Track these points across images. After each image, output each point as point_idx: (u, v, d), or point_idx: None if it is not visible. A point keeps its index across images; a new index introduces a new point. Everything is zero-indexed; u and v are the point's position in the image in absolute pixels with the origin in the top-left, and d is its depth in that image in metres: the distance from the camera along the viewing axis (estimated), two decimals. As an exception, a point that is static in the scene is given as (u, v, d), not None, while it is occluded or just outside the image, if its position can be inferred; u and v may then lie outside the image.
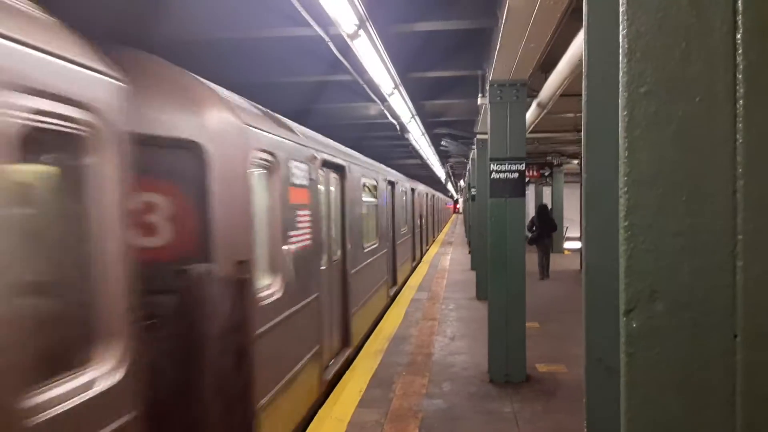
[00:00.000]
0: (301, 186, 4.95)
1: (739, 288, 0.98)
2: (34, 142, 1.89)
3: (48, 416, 1.84)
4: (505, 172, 6.10)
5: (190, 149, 3.21)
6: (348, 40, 4.48)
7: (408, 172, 22.20)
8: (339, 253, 6.90)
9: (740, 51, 0.98)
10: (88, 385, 2.06)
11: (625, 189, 1.01)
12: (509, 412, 5.20)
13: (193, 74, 3.69)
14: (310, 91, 8.54)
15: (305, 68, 7.12)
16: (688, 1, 0.99)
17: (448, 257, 19.59)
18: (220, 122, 3.43)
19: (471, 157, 15.14)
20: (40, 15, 2.12)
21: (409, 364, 6.76)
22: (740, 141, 0.98)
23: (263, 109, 4.70)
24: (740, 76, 0.98)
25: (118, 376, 2.20)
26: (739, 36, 0.98)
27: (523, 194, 6.14)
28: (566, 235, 22.01)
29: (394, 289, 11.73)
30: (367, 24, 4.17)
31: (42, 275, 2.12)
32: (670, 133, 1.01)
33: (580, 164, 17.39)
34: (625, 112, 1.02)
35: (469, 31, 6.25)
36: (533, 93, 6.88)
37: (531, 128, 8.13)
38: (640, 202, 1.01)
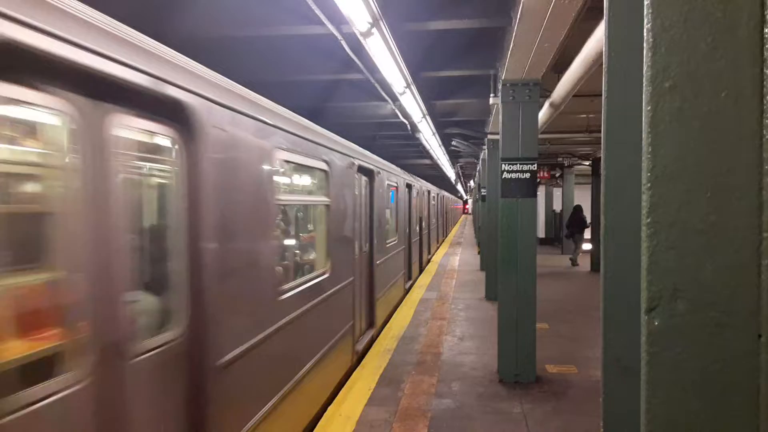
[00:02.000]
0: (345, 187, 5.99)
1: (764, 287, 0.96)
2: None
3: None
4: (516, 172, 6.07)
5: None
6: (361, 38, 4.48)
7: (418, 172, 22.23)
8: (367, 245, 7.62)
9: (767, 45, 0.97)
10: None
11: (649, 185, 1.00)
12: (519, 412, 5.18)
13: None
14: (322, 90, 8.55)
15: (317, 67, 7.13)
16: (715, -5, 0.98)
17: (457, 258, 19.54)
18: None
19: (481, 157, 15.10)
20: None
21: (418, 364, 6.74)
22: (767, 137, 0.96)
23: (319, 128, 5.43)
24: (767, 71, 0.96)
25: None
26: (766, 30, 0.96)
27: (534, 195, 6.11)
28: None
29: (410, 282, 12.44)
30: (381, 22, 4.16)
31: None
32: (695, 128, 0.99)
33: (591, 166, 17.27)
34: (649, 107, 1.01)
35: (482, 30, 6.22)
36: (546, 93, 6.83)
37: (543, 129, 8.08)
38: (664, 198, 0.99)
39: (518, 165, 6.07)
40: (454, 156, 18.18)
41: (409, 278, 12.63)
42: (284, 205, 4.42)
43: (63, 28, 1.91)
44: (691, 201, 0.98)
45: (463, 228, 42.50)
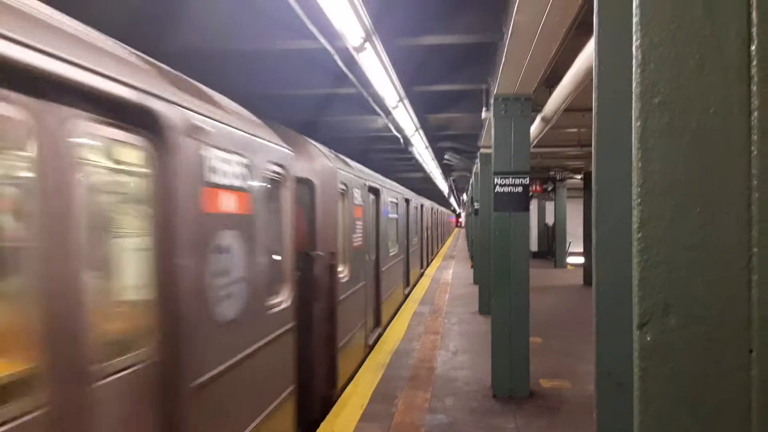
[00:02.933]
0: (358, 204, 7.14)
1: (755, 302, 0.97)
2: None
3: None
4: (509, 186, 6.10)
5: (307, 183, 5.53)
6: (354, 53, 4.50)
7: (411, 185, 22.35)
8: (374, 254, 8.58)
9: (754, 62, 0.98)
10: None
11: (639, 200, 1.00)
12: (513, 428, 5.15)
13: (308, 139, 6.10)
14: (314, 104, 8.58)
15: (310, 81, 7.16)
16: (702, 13, 0.99)
17: (450, 271, 19.54)
18: (323, 167, 5.77)
19: (474, 171, 15.16)
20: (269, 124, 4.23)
21: (412, 379, 6.71)
22: (755, 153, 0.97)
23: (341, 155, 6.87)
24: (755, 88, 0.98)
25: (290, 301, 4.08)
26: (753, 47, 0.97)
27: (527, 208, 6.13)
28: (569, 250, 21.96)
29: (408, 288, 13.65)
30: (373, 37, 4.19)
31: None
32: (684, 144, 1.00)
33: (583, 179, 17.37)
34: (639, 123, 1.01)
35: (474, 45, 6.27)
36: (537, 107, 6.89)
37: (534, 142, 8.14)
38: (654, 213, 1.00)
39: (510, 179, 6.09)
40: (446, 169, 18.25)
41: (407, 284, 13.61)
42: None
43: (373, 180, 3.90)
44: (681, 216, 0.99)
45: (456, 241, 42.53)
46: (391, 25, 4.73)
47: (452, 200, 40.74)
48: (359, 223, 7.18)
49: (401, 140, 10.44)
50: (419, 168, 16.53)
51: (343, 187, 6.22)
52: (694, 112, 1.00)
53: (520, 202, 6.08)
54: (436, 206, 26.58)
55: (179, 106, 2.60)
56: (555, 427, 5.20)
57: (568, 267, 20.22)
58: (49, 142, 1.80)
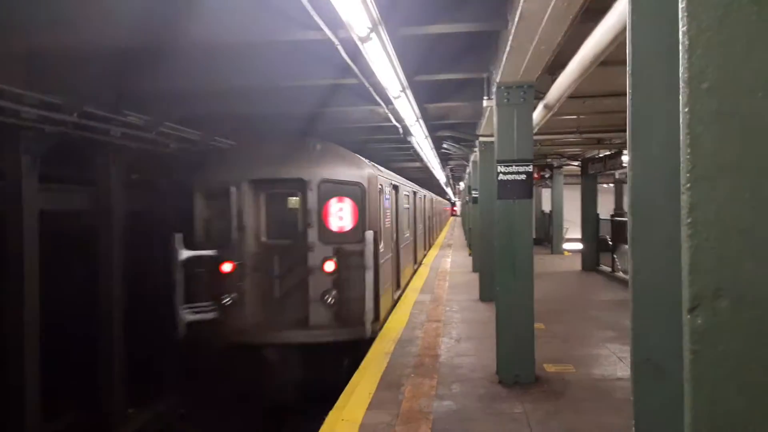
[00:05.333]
0: (388, 199, 10.31)
1: (805, 284, 0.98)
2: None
3: None
4: (512, 174, 6.11)
5: (360, 187, 8.51)
6: (359, 43, 4.48)
7: (408, 175, 22.45)
8: (395, 235, 11.57)
9: (802, 46, 0.99)
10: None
11: (688, 185, 1.01)
12: (520, 412, 5.20)
13: (358, 156, 9.11)
14: (316, 95, 8.54)
15: (311, 72, 7.13)
16: (750, -2, 1.00)
17: (448, 260, 19.59)
18: (369, 174, 8.66)
19: (472, 159, 15.16)
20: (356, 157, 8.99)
21: (417, 366, 6.75)
22: (803, 137, 0.98)
23: (375, 164, 10.11)
24: (803, 72, 0.98)
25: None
26: (801, 31, 0.98)
27: (530, 196, 6.14)
28: (566, 236, 22.06)
29: (416, 265, 16.69)
30: (380, 27, 4.17)
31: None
32: (733, 129, 1.01)
33: (579, 166, 17.41)
34: (687, 109, 1.02)
35: (476, 33, 6.25)
36: (539, 95, 6.88)
37: (536, 130, 8.14)
38: (704, 198, 1.01)
39: (514, 167, 6.10)
40: (444, 159, 18.24)
41: (415, 262, 16.51)
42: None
43: (395, 179, 11.18)
44: (731, 200, 1.00)
45: (452, 230, 42.59)
46: (396, 15, 4.71)
47: (448, 189, 40.71)
48: (388, 211, 10.31)
49: (400, 130, 10.42)
50: (417, 158, 16.52)
51: (379, 186, 9.18)
52: (743, 97, 1.01)
53: (524, 189, 6.09)
54: (435, 196, 28.49)
55: (412, 188, 12.69)
56: (561, 411, 5.25)
57: (565, 254, 20.30)
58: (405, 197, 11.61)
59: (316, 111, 9.41)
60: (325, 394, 6.47)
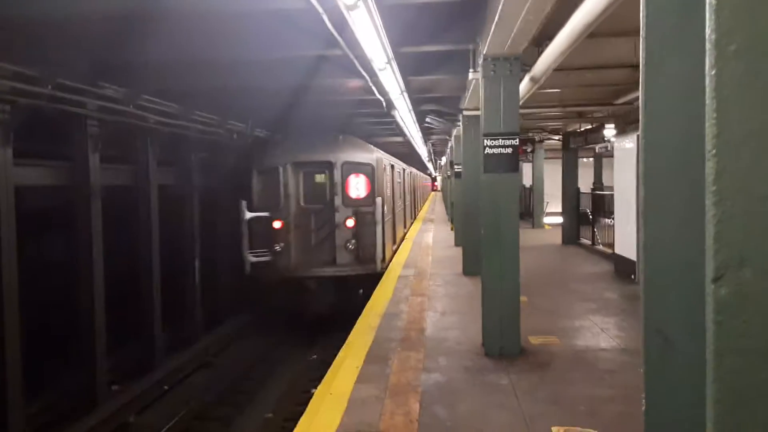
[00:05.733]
0: (388, 175, 13.78)
1: (829, 253, 0.96)
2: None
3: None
4: (498, 147, 6.08)
5: (371, 166, 12.66)
6: (345, 12, 4.36)
7: (390, 149, 22.47)
8: (392, 202, 15.05)
9: (832, 7, 0.95)
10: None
11: (714, 152, 0.98)
12: (506, 384, 5.26)
13: (369, 144, 13.53)
14: (298, 68, 8.37)
15: (295, 44, 6.97)
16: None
17: (430, 234, 19.64)
18: (377, 157, 12.89)
19: (454, 134, 15.10)
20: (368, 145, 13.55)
21: (403, 340, 6.78)
22: (833, 100, 0.95)
23: (381, 150, 14.10)
24: (833, 33, 0.95)
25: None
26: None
27: (516, 169, 6.13)
28: (546, 210, 22.25)
29: (406, 229, 20.60)
30: (367, -6, 4.06)
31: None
32: (761, 92, 0.97)
33: (560, 140, 17.47)
34: (714, 72, 0.98)
35: (463, 3, 6.15)
36: (524, 68, 6.82)
37: (521, 103, 8.10)
38: (729, 165, 0.98)
39: (500, 140, 6.07)
40: (426, 133, 18.14)
41: (404, 226, 20.29)
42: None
43: (392, 160, 15.96)
44: (758, 166, 0.97)
45: (433, 205, 42.69)
46: (382, -18, 4.57)
47: (429, 164, 40.67)
48: (388, 184, 13.87)
49: (384, 104, 10.30)
50: (400, 132, 16.40)
51: (383, 166, 13.05)
52: (772, 60, 0.97)
53: (510, 163, 6.08)
54: (417, 171, 32.49)
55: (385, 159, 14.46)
56: (546, 381, 5.32)
57: (546, 227, 20.49)
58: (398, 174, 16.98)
59: (300, 84, 9.23)
60: (347, 311, 10.26)
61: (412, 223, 23.94)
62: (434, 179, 62.29)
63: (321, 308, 12.45)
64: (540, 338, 6.62)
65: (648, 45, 1.37)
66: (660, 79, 1.36)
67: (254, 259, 12.09)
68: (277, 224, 12.35)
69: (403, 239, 18.08)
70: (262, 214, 12.18)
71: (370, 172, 12.71)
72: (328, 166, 12.54)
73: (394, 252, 15.08)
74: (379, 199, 12.35)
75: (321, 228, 12.62)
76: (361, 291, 11.92)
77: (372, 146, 13.45)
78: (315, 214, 12.60)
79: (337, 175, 12.48)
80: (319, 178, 12.83)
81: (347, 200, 12.54)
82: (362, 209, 12.53)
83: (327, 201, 12.55)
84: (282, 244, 12.31)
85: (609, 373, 5.49)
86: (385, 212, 12.89)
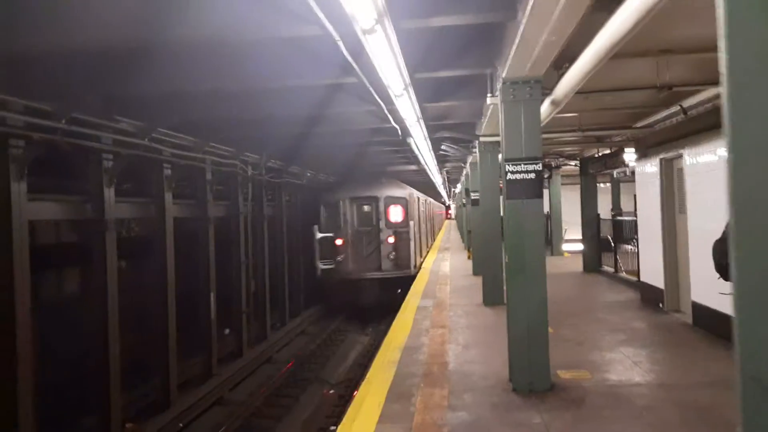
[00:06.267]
0: (416, 205, 19.87)
1: None
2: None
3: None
4: (521, 173, 5.88)
5: (405, 199, 18.62)
6: (362, 36, 4.24)
7: (405, 178, 22.62)
8: (418, 227, 19.77)
9: None
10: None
11: None
12: (539, 423, 4.94)
13: (403, 183, 20.37)
14: (311, 97, 8.29)
15: (308, 72, 6.89)
16: None
17: (447, 263, 19.33)
18: (409, 192, 19.20)
19: (470, 161, 14.93)
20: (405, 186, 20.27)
21: (426, 375, 6.48)
22: None
23: (411, 188, 20.33)
24: None
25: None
26: None
27: (540, 195, 5.91)
28: (565, 238, 21.85)
29: (427, 248, 25.08)
30: (385, 18, 3.93)
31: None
32: None
33: (578, 165, 17.21)
34: None
35: (479, 27, 6.03)
36: (544, 91, 6.66)
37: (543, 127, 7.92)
38: None
39: (522, 165, 5.87)
40: (441, 161, 18.00)
41: (428, 246, 25.71)
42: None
43: (421, 194, 23.13)
44: None
45: (448, 233, 42.35)
46: (399, 6, 4.46)
47: (443, 192, 40.51)
48: (416, 212, 18.78)
49: (399, 131, 10.18)
50: (414, 160, 16.28)
51: (413, 199, 18.56)
52: None
53: (533, 188, 5.86)
54: (433, 200, 35.84)
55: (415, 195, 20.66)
56: (583, 420, 5.00)
57: (565, 255, 20.08)
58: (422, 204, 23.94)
59: (314, 114, 9.15)
60: (389, 303, 15.47)
61: (431, 245, 28.94)
62: (448, 207, 62.05)
63: (370, 301, 17.64)
64: (570, 372, 6.29)
65: (731, 46, 1.18)
66: (751, 83, 1.16)
67: (323, 267, 17.46)
68: (339, 241, 17.79)
69: (427, 253, 24.24)
70: (328, 235, 17.58)
71: (405, 203, 18.37)
72: (374, 200, 18.07)
73: (422, 261, 20.63)
74: (411, 222, 18.21)
75: (369, 243, 18.01)
76: (399, 290, 15.97)
77: (405, 184, 19.81)
78: (365, 234, 18.08)
79: (381, 206, 17.98)
80: (368, 208, 18.15)
81: (388, 223, 18.05)
82: (399, 230, 18.12)
83: (374, 224, 18.07)
84: (342, 256, 17.71)
85: (647, 410, 5.15)
86: (415, 232, 18.79)
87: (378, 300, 17.46)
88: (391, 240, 17.89)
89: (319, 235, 17.36)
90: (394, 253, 17.85)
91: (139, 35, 5.20)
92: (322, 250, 17.47)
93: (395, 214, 18.17)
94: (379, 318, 16.87)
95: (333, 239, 17.63)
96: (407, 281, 15.52)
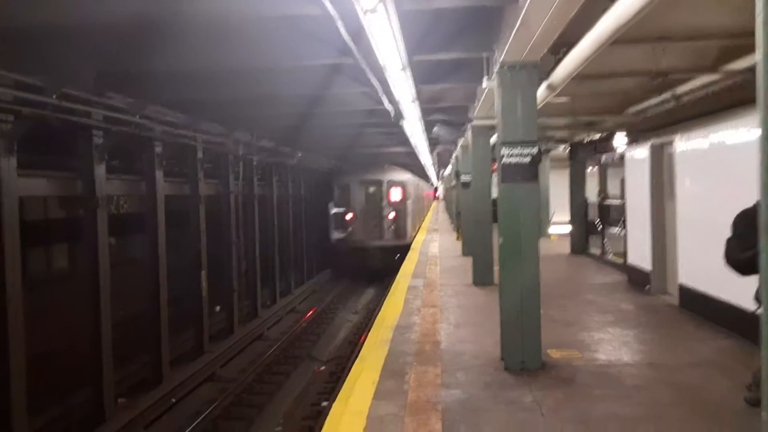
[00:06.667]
0: (412, 187, 24.63)
1: None
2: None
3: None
4: (517, 156, 5.93)
5: (404, 182, 23.74)
6: (363, 15, 4.23)
7: (395, 160, 22.86)
8: (413, 205, 24.24)
9: None
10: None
11: None
12: (531, 401, 5.06)
13: (403, 169, 25.29)
14: (308, 78, 8.26)
15: (306, 53, 6.85)
16: None
17: (436, 244, 19.44)
18: (407, 177, 24.42)
19: (461, 143, 14.97)
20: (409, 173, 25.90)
21: (418, 354, 6.58)
22: None
23: (407, 172, 25.40)
24: None
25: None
26: None
27: (536, 178, 5.98)
28: (552, 220, 22.03)
29: (419, 223, 28.14)
30: (388, -2, 3.93)
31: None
32: None
33: (566, 150, 17.31)
34: None
35: (478, 10, 6.03)
36: (541, 75, 6.69)
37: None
38: None
39: (519, 149, 5.93)
40: (432, 143, 18.02)
41: (421, 222, 29.23)
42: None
43: (417, 179, 28.24)
44: None
45: (435, 214, 42.49)
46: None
47: (432, 174, 40.59)
48: (411, 194, 23.60)
49: (392, 113, 10.17)
50: (406, 142, 16.28)
51: (410, 182, 23.65)
52: None
53: (529, 172, 5.92)
54: (424, 183, 39.39)
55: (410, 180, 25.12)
56: (572, 398, 5.13)
57: (552, 238, 20.27)
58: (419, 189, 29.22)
59: (312, 94, 9.11)
60: (389, 266, 18.90)
61: (423, 220, 32.99)
62: (436, 189, 62.14)
63: (374, 264, 21.83)
64: (561, 352, 6.43)
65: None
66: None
67: (336, 236, 22.27)
68: (348, 216, 22.33)
69: (420, 227, 27.70)
70: (340, 210, 22.36)
71: (403, 186, 23.27)
72: (378, 183, 22.86)
73: (416, 233, 24.38)
74: (408, 202, 23.18)
75: (374, 218, 22.57)
76: (398, 256, 18.88)
77: (405, 170, 24.71)
78: (371, 209, 22.67)
79: (384, 187, 22.79)
80: (373, 189, 22.80)
81: (390, 202, 22.85)
82: (398, 207, 22.93)
83: (378, 202, 22.74)
84: (352, 227, 22.19)
85: (637, 390, 5.29)
86: (411, 210, 23.62)
87: (381, 263, 21.50)
88: (392, 216, 22.67)
89: (333, 210, 22.31)
90: (393, 225, 22.64)
91: (136, 10, 5.14)
92: (335, 222, 22.29)
93: (395, 194, 22.93)
94: (379, 278, 20.84)
95: (344, 213, 22.35)
96: (404, 249, 19.02)
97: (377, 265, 21.58)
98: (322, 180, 23.14)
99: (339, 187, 22.60)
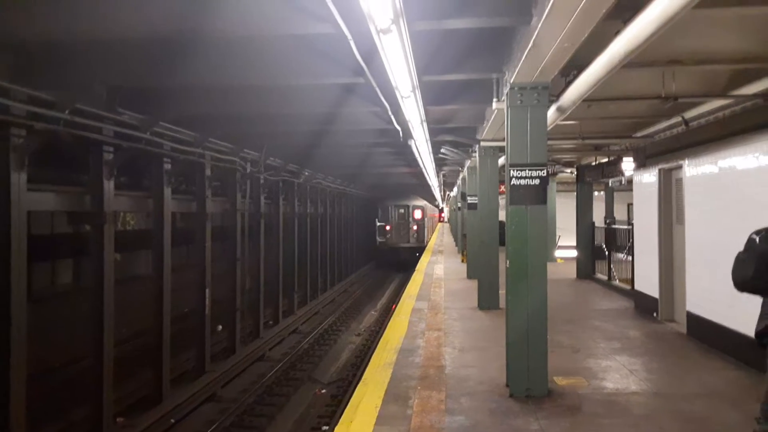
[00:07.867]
0: (429, 214, 42.35)
1: None
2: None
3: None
4: (525, 178, 5.89)
5: (422, 206, 38.15)
6: (377, 36, 4.23)
7: (401, 180, 22.72)
8: (425, 224, 38.46)
9: None
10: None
11: None
12: (536, 429, 4.94)
13: (421, 197, 38.83)
14: (316, 97, 8.29)
15: (316, 72, 6.88)
16: None
17: (441, 266, 19.34)
18: (423, 203, 38.80)
19: (467, 165, 14.96)
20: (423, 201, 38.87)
21: (422, 378, 6.47)
22: None
23: (423, 200, 39.06)
24: None
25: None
26: None
27: (544, 201, 5.93)
28: (559, 244, 21.91)
29: (429, 237, 39.34)
30: (401, 19, 3.93)
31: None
32: None
33: (574, 173, 17.27)
34: None
35: (487, 31, 6.04)
36: (551, 97, 6.68)
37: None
38: None
39: (527, 171, 5.89)
40: (439, 164, 18.03)
41: (430, 236, 40.33)
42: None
43: (426, 203, 40.02)
44: None
45: (441, 237, 42.40)
46: (413, 7, 4.45)
47: (438, 195, 40.84)
48: (426, 214, 38.64)
49: (401, 134, 10.18)
50: (414, 163, 16.29)
51: (424, 207, 38.16)
52: None
53: (538, 194, 5.88)
54: (429, 205, 45.16)
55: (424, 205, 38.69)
56: (579, 428, 5.01)
57: (558, 261, 20.14)
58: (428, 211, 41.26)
59: (324, 112, 9.14)
60: (413, 259, 26.61)
61: (432, 233, 44.08)
62: (441, 210, 62.14)
63: (403, 258, 32.89)
64: (567, 379, 6.30)
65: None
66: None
67: (380, 240, 35.83)
68: (387, 227, 35.69)
69: (430, 237, 39.62)
70: (382, 223, 35.63)
71: (422, 208, 36.88)
72: (406, 206, 36.06)
73: (429, 240, 36.53)
74: (425, 219, 36.65)
75: (403, 229, 35.84)
76: (417, 254, 27.69)
77: (421, 198, 37.29)
78: (401, 224, 35.87)
79: (409, 210, 36.09)
80: (402, 210, 36.17)
81: (413, 219, 36.23)
82: (419, 222, 36.38)
83: (405, 219, 36.04)
84: (389, 235, 35.57)
85: (644, 419, 5.17)
86: (426, 224, 37.12)
87: (407, 257, 31.97)
88: (415, 228, 36.22)
89: (378, 223, 35.76)
90: (416, 234, 36.08)
91: (155, 27, 5.18)
92: (379, 231, 35.75)
93: (417, 214, 36.57)
94: (405, 269, 29.12)
95: (384, 225, 35.72)
96: (422, 249, 29.86)
97: (405, 258, 32.61)
98: (363, 203, 35.43)
99: (381, 208, 35.97)
